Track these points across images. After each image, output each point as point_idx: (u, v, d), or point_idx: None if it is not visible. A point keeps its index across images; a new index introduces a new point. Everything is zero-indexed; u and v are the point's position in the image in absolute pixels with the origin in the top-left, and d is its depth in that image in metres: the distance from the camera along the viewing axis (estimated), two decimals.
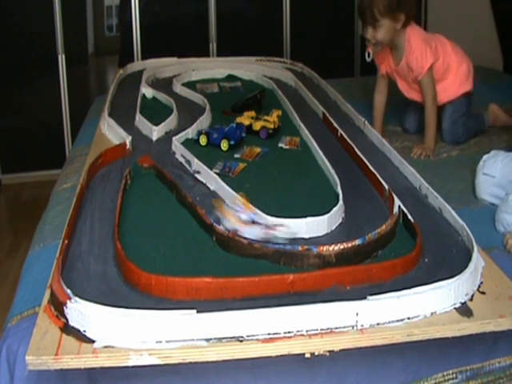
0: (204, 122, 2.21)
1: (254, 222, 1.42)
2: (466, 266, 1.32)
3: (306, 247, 1.38)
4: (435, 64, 2.43)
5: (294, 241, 1.43)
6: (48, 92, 3.78)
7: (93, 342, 1.16)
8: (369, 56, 2.45)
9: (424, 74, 2.40)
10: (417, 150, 2.38)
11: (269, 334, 1.18)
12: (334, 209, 1.52)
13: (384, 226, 1.47)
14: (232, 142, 2.00)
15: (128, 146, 2.00)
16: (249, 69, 2.95)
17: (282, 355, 1.18)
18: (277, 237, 1.40)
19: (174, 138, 2.01)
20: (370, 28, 2.34)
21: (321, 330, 1.19)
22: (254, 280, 1.28)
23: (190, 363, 1.16)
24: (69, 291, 1.23)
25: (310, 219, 1.48)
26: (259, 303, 1.22)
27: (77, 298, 1.20)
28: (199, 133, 2.06)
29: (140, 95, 2.54)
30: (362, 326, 1.20)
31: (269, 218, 1.47)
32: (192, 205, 1.61)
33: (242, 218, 1.42)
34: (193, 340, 1.16)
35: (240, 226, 1.41)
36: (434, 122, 2.44)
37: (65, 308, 1.20)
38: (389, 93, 2.61)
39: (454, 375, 1.41)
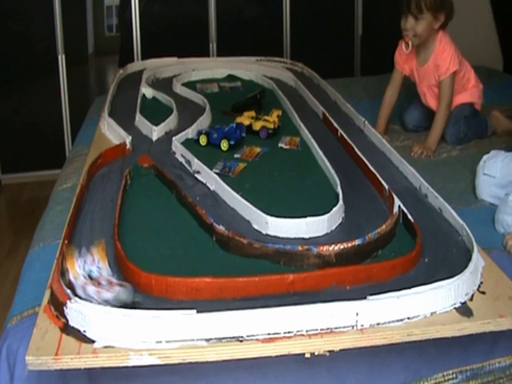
0: (204, 121, 2.21)
1: (90, 277, 1.25)
2: (466, 266, 1.32)
3: (306, 247, 1.38)
4: (458, 74, 2.47)
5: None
6: (48, 92, 3.78)
7: (93, 342, 1.16)
8: (407, 47, 2.48)
9: (447, 76, 2.42)
10: (417, 148, 2.37)
11: (269, 334, 1.18)
12: (334, 209, 1.52)
13: (384, 226, 1.47)
14: (232, 142, 2.00)
15: (128, 146, 2.00)
16: (249, 69, 2.95)
17: (281, 355, 1.18)
18: (106, 299, 1.21)
19: (173, 138, 2.01)
20: (411, 19, 2.39)
21: (321, 330, 1.19)
22: (254, 280, 1.28)
23: (190, 363, 1.16)
24: (69, 291, 1.23)
25: (309, 219, 1.48)
26: (259, 303, 1.22)
27: (77, 298, 1.20)
28: (199, 133, 2.06)
29: (140, 95, 2.54)
30: (361, 325, 1.20)
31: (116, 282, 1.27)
32: (192, 205, 1.61)
33: (78, 271, 1.26)
34: (193, 340, 1.16)
35: (74, 279, 1.25)
36: (442, 125, 2.43)
37: (65, 308, 1.20)
38: (401, 94, 2.61)
39: (454, 375, 1.41)
